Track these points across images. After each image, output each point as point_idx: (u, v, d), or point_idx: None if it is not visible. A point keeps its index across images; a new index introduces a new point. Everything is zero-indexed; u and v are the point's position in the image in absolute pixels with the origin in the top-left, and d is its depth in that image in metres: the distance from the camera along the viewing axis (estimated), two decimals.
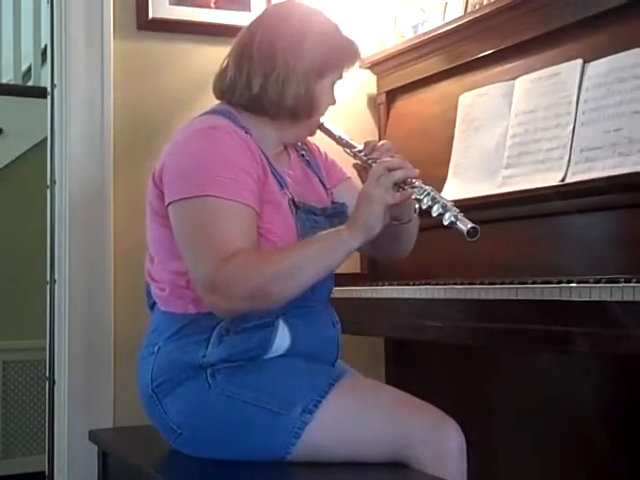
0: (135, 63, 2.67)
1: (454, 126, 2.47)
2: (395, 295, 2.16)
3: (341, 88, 2.91)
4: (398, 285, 2.20)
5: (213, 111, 1.69)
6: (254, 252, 1.53)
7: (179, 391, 1.60)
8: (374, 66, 2.88)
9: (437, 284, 2.03)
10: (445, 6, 2.74)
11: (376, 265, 2.68)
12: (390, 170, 1.54)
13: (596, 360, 2.01)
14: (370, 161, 1.66)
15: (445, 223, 1.53)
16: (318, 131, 1.78)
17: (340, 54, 1.69)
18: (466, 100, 2.47)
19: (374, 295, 2.26)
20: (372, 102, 2.96)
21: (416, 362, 2.68)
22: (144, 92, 2.67)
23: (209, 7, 2.77)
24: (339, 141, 1.76)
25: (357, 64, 1.75)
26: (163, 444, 1.69)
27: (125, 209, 2.57)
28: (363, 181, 1.72)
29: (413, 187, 1.55)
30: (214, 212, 1.53)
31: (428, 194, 1.55)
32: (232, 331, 1.59)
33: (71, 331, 2.49)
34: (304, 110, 1.67)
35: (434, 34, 2.59)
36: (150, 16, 2.68)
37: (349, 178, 1.85)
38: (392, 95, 2.84)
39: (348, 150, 1.74)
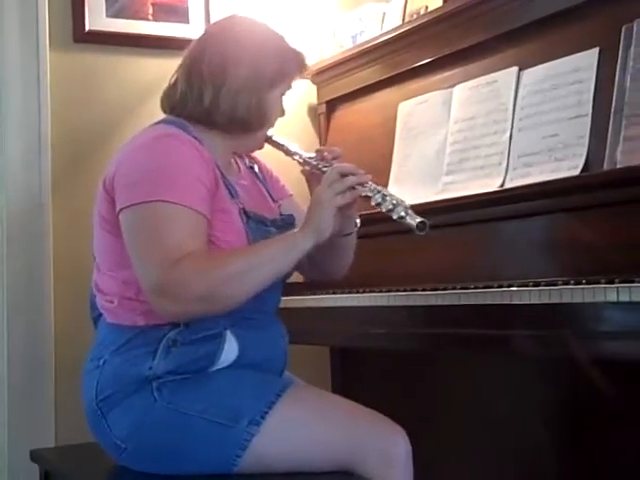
0: (72, 76, 2.64)
1: (394, 134, 2.49)
2: (339, 304, 2.16)
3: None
4: (342, 293, 2.20)
5: (165, 121, 1.69)
6: (204, 255, 1.53)
7: (124, 405, 1.58)
8: (314, 76, 2.89)
9: (380, 291, 2.04)
10: (383, 16, 2.77)
11: None
12: (343, 175, 1.57)
13: (539, 362, 2.04)
14: (320, 166, 1.68)
15: (394, 217, 1.56)
16: (267, 145, 1.80)
17: (288, 64, 1.71)
18: (405, 108, 2.49)
19: (318, 304, 2.26)
20: (313, 112, 2.98)
21: (362, 370, 2.68)
22: (81, 104, 2.64)
23: (147, 19, 2.76)
24: (288, 152, 1.78)
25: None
26: (107, 462, 1.66)
27: (64, 222, 2.54)
28: (311, 187, 1.73)
29: (364, 187, 1.58)
30: (165, 217, 1.52)
31: (379, 192, 1.58)
32: (179, 342, 1.58)
33: (11, 347, 2.44)
34: (256, 121, 1.68)
35: (372, 44, 2.62)
36: (87, 28, 2.66)
37: (292, 195, 1.88)
38: (332, 105, 2.86)
39: (298, 159, 1.76)
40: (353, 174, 1.58)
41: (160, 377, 1.57)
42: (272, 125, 1.75)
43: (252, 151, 1.81)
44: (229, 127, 1.67)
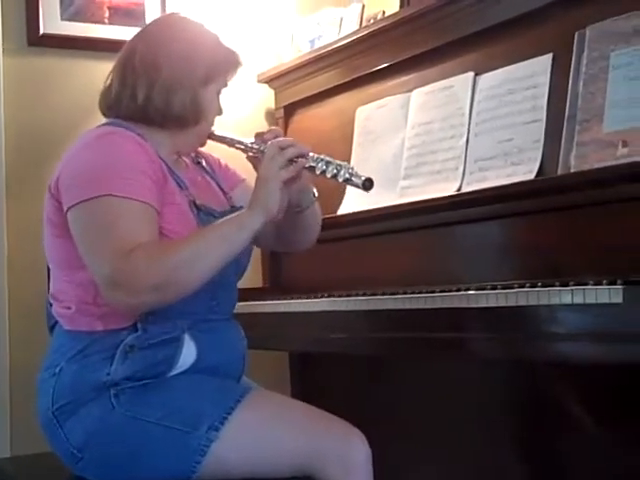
0: (26, 79, 2.61)
1: (352, 139, 2.50)
2: (298, 309, 2.17)
3: (239, 103, 2.93)
4: (300, 299, 2.20)
5: (106, 123, 1.69)
6: (155, 244, 1.52)
7: (81, 413, 1.56)
8: (272, 81, 2.89)
9: (340, 296, 2.04)
10: (341, 21, 2.78)
11: (279, 279, 2.68)
12: (282, 149, 1.58)
13: (497, 364, 2.06)
14: (262, 148, 1.69)
15: (340, 180, 1.58)
16: (210, 141, 1.79)
17: (222, 62, 1.71)
18: (363, 113, 2.50)
19: (277, 309, 2.26)
20: (270, 117, 2.98)
21: (321, 375, 2.68)
22: (36, 108, 2.61)
23: (102, 23, 2.73)
24: (231, 143, 1.78)
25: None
26: (64, 472, 1.64)
27: (19, 228, 2.50)
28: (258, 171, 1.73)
29: (306, 158, 1.59)
30: (113, 211, 1.52)
31: (321, 160, 1.59)
32: (137, 347, 1.57)
33: None
34: (191, 117, 1.68)
35: (330, 48, 2.62)
36: (41, 31, 2.63)
37: (244, 180, 1.88)
38: (290, 109, 2.86)
39: (241, 147, 1.76)
40: (292, 146, 1.60)
41: (118, 384, 1.55)
42: (211, 123, 1.75)
43: (194, 149, 1.80)
44: (165, 123, 1.68)
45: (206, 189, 1.77)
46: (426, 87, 2.30)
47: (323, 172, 1.59)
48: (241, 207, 1.74)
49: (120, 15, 2.75)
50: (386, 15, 2.55)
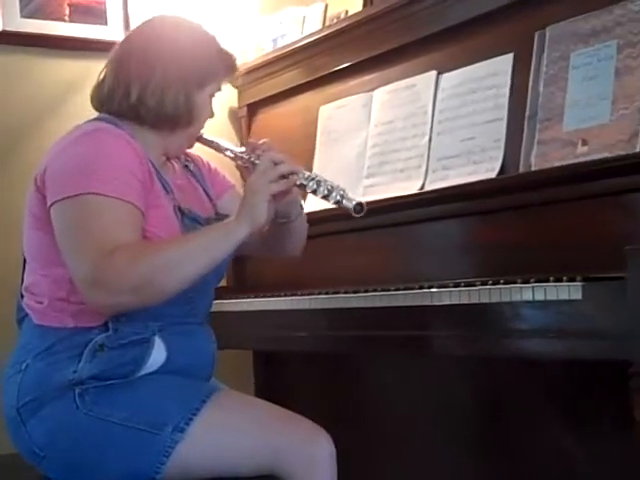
0: None
1: (315, 138, 2.50)
2: (261, 307, 2.17)
3: None
4: (264, 297, 2.20)
5: (96, 118, 1.68)
6: (137, 245, 1.51)
7: (45, 412, 1.55)
8: (235, 79, 2.88)
9: (302, 294, 2.04)
10: (304, 20, 2.78)
11: (242, 278, 2.68)
12: (276, 164, 1.58)
13: (460, 361, 2.07)
14: (252, 159, 1.69)
15: (331, 202, 1.58)
16: (198, 144, 1.79)
17: (219, 65, 1.71)
18: (326, 112, 2.50)
19: (240, 308, 2.26)
20: (234, 116, 2.97)
21: (285, 374, 2.68)
22: None
23: (63, 20, 2.70)
24: (219, 149, 1.78)
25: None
26: (30, 473, 1.62)
27: None
28: (245, 181, 1.73)
29: (297, 175, 1.59)
30: (96, 209, 1.51)
31: (312, 179, 1.59)
32: (107, 347, 1.56)
33: None
34: (183, 119, 1.68)
35: (293, 47, 2.63)
36: (0, 28, 2.59)
37: (233, 186, 1.88)
38: (253, 108, 2.86)
39: (230, 154, 1.76)
40: (285, 163, 1.60)
41: (83, 383, 1.54)
42: (202, 126, 1.75)
43: (183, 151, 1.79)
44: (157, 124, 1.67)
45: (192, 194, 1.76)
46: (389, 86, 2.30)
47: (314, 191, 1.59)
48: (226, 215, 1.73)
49: (81, 13, 2.72)
50: (349, 14, 2.56)
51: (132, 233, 1.52)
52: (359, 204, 1.57)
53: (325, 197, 1.58)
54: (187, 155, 1.83)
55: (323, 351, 2.07)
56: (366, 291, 1.86)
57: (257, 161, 1.66)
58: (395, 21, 2.29)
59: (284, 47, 2.69)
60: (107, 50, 1.72)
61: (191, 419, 1.52)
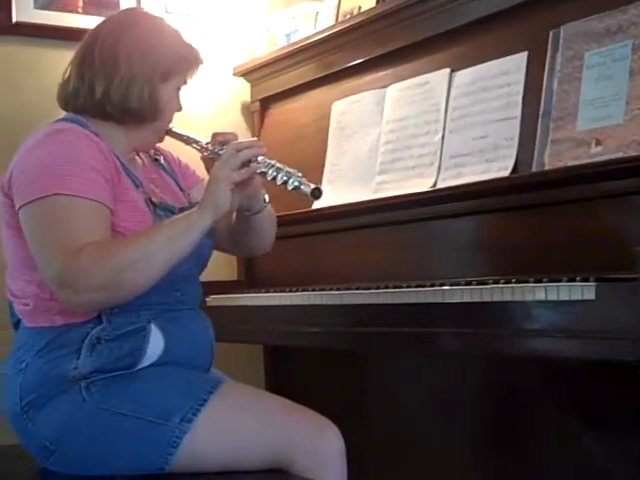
0: None
1: (327, 133, 2.50)
2: (272, 302, 2.17)
3: (215, 96, 2.92)
4: (275, 292, 2.20)
5: (60, 119, 1.69)
6: (103, 243, 1.52)
7: (52, 406, 1.56)
8: (248, 74, 2.89)
9: (313, 290, 2.05)
10: (316, 15, 2.77)
11: (253, 272, 2.68)
12: (238, 151, 1.60)
13: (470, 359, 2.07)
14: (217, 150, 1.71)
15: (289, 188, 1.61)
16: (168, 137, 1.80)
17: (182, 59, 1.72)
18: (339, 108, 2.50)
19: (251, 302, 2.26)
20: (246, 110, 2.97)
21: (295, 368, 2.69)
22: (8, 98, 2.58)
23: (76, 12, 2.70)
24: (187, 141, 1.79)
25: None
26: (34, 464, 1.63)
27: None
28: (209, 172, 1.74)
29: (258, 163, 1.61)
30: (62, 210, 1.52)
31: (272, 166, 1.62)
32: (103, 339, 1.57)
33: None
34: (149, 113, 1.69)
35: (306, 43, 2.62)
36: (14, 20, 2.59)
37: (203, 179, 1.87)
38: (266, 103, 2.86)
39: (197, 146, 1.77)
40: (248, 148, 1.61)
41: (87, 377, 1.55)
42: (170, 119, 1.76)
43: (152, 145, 1.80)
44: (123, 119, 1.68)
45: (163, 186, 1.77)
46: (402, 83, 2.30)
47: (274, 178, 1.61)
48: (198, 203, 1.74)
49: (95, 4, 2.72)
50: (362, 10, 2.55)
51: (99, 231, 1.53)
52: (317, 189, 1.60)
53: (284, 183, 1.61)
54: (156, 150, 1.84)
55: (334, 347, 2.07)
56: (377, 288, 1.86)
57: (222, 152, 1.68)
58: (409, 17, 2.29)
59: (297, 42, 2.69)
60: None
61: (198, 410, 1.53)
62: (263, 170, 1.61)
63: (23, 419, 1.58)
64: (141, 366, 1.59)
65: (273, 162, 1.62)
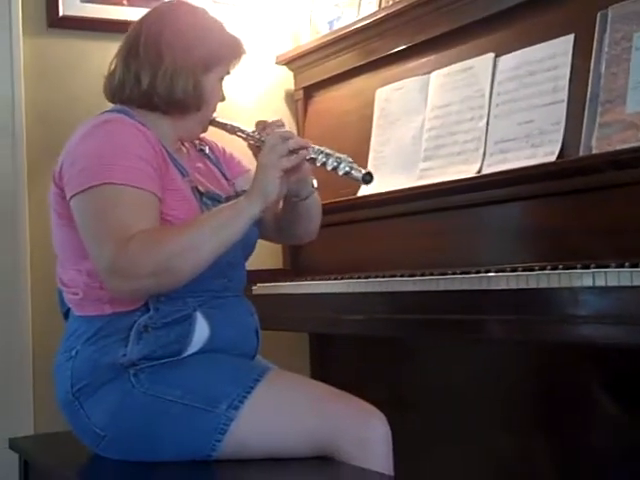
0: (46, 61, 2.61)
1: (371, 121, 2.50)
2: (317, 290, 2.17)
3: (259, 84, 2.92)
4: (320, 280, 2.21)
5: (108, 110, 1.71)
6: (153, 232, 1.54)
7: (102, 393, 1.59)
8: (291, 62, 2.89)
9: (359, 278, 2.04)
10: (359, 2, 2.76)
11: (298, 261, 2.69)
12: (285, 139, 1.59)
13: (516, 346, 2.06)
14: (262, 138, 1.71)
15: (340, 173, 1.60)
16: (212, 127, 1.82)
17: (225, 49, 1.73)
18: (382, 95, 2.49)
19: (296, 290, 2.27)
20: (290, 98, 2.97)
21: (341, 355, 2.69)
22: (56, 91, 2.61)
23: (121, 4, 2.73)
24: (232, 130, 1.81)
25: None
26: (86, 450, 1.66)
27: (41, 214, 2.48)
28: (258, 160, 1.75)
29: (307, 149, 1.61)
30: (113, 199, 1.54)
31: (322, 152, 1.61)
32: (151, 327, 1.59)
33: None
34: (193, 104, 1.71)
35: (349, 30, 2.61)
36: (61, 13, 2.62)
37: (249, 170, 1.89)
38: (309, 91, 2.86)
39: (242, 135, 1.79)
40: (294, 138, 1.61)
41: (136, 364, 1.58)
42: (213, 109, 1.77)
43: (197, 135, 1.82)
44: (168, 109, 1.70)
45: (208, 176, 1.79)
46: (445, 69, 2.28)
47: (324, 164, 1.61)
48: (245, 191, 1.75)
49: None
50: None
51: (148, 220, 1.55)
52: (368, 173, 1.59)
53: (334, 169, 1.60)
54: (202, 140, 1.86)
55: (378, 334, 2.07)
56: (422, 275, 1.85)
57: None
58: (452, 2, 2.27)
59: (340, 29, 2.68)
60: None
61: (245, 397, 1.54)
62: (313, 156, 1.61)
63: (74, 406, 1.61)
64: (187, 353, 1.61)
65: (322, 149, 1.62)
